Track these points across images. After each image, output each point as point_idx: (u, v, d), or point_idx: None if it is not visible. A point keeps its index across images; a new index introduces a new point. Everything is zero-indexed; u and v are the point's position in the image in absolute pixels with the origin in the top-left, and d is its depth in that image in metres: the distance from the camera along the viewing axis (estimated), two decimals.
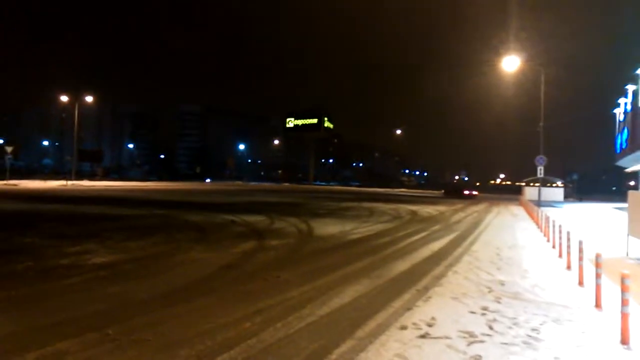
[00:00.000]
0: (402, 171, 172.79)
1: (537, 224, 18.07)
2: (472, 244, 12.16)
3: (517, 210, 29.31)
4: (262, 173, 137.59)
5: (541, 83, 26.40)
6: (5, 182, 38.36)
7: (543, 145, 26.75)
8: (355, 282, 7.09)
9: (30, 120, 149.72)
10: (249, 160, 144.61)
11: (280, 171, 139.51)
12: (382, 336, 4.69)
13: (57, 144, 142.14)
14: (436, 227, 16.03)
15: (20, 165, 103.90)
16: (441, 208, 27.37)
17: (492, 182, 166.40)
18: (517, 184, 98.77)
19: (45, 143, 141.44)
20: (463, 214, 23.63)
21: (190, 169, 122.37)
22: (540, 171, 26.36)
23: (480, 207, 30.91)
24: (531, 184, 47.57)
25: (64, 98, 54.54)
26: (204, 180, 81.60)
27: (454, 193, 48.22)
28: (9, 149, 41.96)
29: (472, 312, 5.68)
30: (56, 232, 11.56)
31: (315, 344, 4.40)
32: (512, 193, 70.14)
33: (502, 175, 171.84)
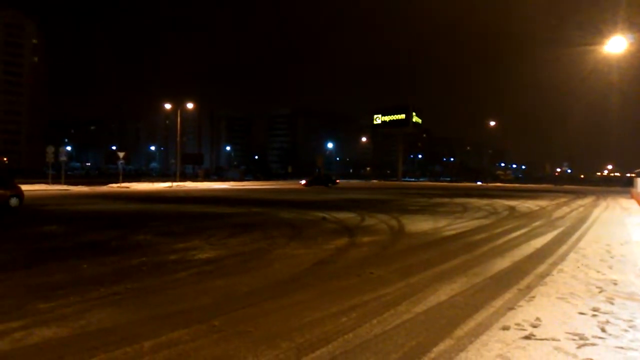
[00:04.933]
0: (497, 164, 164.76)
1: None
2: (578, 240, 11.32)
3: (628, 203, 26.78)
4: (351, 170, 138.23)
5: None
6: (118, 184, 42.10)
7: None
8: (451, 279, 6.91)
9: (138, 128, 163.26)
10: (338, 159, 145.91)
11: (368, 168, 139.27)
12: (483, 336, 4.53)
13: (162, 148, 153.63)
14: (537, 223, 15.13)
15: (131, 169, 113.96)
16: (542, 203, 25.76)
17: (599, 174, 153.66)
18: (628, 175, 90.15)
19: (152, 148, 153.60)
20: (567, 208, 22.06)
21: (282, 169, 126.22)
22: None
23: (585, 201, 28.66)
24: None
25: (167, 106, 58.80)
26: (296, 179, 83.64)
27: (317, 183, 52.30)
28: (121, 154, 46.05)
29: (582, 313, 5.30)
30: (165, 230, 12.48)
31: (413, 341, 4.36)
32: (621, 185, 64.50)
33: (609, 167, 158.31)
